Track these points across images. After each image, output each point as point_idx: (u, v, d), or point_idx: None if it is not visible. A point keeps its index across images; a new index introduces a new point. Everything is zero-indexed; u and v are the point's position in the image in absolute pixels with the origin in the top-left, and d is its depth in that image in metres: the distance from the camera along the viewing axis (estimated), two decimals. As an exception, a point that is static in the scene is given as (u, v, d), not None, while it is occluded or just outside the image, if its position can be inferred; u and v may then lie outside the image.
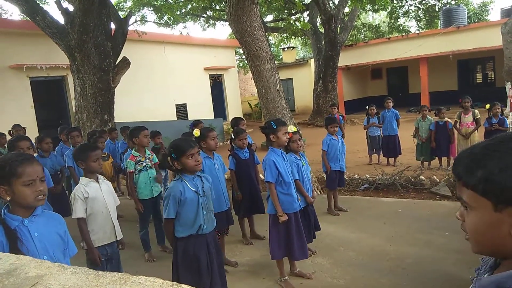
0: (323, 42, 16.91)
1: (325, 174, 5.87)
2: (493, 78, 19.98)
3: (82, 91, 9.48)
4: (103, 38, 9.80)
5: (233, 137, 4.86)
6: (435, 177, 6.83)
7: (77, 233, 3.16)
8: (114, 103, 10.04)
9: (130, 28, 11.42)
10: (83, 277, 1.08)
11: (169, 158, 2.98)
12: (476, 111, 7.56)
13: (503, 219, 0.82)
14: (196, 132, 4.15)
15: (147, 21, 15.64)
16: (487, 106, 7.19)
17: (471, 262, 3.67)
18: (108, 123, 9.57)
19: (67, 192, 5.88)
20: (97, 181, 3.26)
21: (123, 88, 11.06)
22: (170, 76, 15.44)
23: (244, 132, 4.92)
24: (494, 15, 40.15)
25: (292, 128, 4.09)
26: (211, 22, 19.28)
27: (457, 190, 0.92)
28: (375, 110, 8.88)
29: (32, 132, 9.08)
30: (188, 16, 17.37)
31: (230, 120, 6.16)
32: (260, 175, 6.97)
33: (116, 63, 9.96)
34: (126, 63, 9.90)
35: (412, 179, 6.77)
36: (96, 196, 3.18)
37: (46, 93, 12.68)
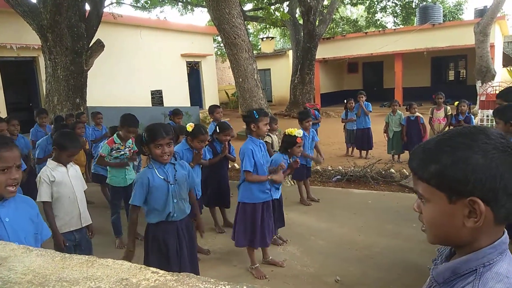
0: (302, 34, 16.94)
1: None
2: (465, 76, 20.54)
3: (54, 73, 9.19)
4: (76, 19, 9.49)
5: (217, 130, 4.81)
6: (404, 170, 7.00)
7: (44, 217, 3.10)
8: (87, 86, 9.78)
9: (106, 10, 11.11)
10: (49, 259, 1.07)
11: (138, 141, 2.94)
12: (448, 107, 7.77)
13: (457, 211, 0.86)
14: (189, 127, 4.07)
15: (123, 3, 15.24)
16: (456, 103, 7.41)
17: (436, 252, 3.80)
18: (80, 106, 9.33)
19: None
20: (65, 166, 3.18)
21: (96, 71, 10.77)
22: (146, 61, 15.12)
23: (230, 129, 4.86)
24: (468, 15, 41.16)
25: (300, 133, 4.09)
26: (189, 7, 19.00)
27: (413, 183, 0.96)
28: (353, 104, 9.01)
29: (0, 114, 8.75)
30: (166, 0, 17.04)
31: (208, 108, 6.12)
32: (235, 164, 6.98)
33: (90, 45, 9.68)
34: (100, 46, 9.63)
35: (383, 172, 6.93)
36: (63, 180, 3.10)
37: (16, 74, 12.23)
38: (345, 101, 9.22)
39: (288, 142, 4.11)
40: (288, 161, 4.15)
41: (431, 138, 0.94)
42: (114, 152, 4.57)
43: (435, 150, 0.89)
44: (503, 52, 19.64)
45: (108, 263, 1.00)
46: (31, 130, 6.69)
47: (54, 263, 1.04)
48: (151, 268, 0.96)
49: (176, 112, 6.54)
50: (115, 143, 4.59)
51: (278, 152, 4.31)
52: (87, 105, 9.84)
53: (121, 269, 0.97)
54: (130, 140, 4.75)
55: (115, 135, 4.69)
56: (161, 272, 0.93)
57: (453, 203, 0.86)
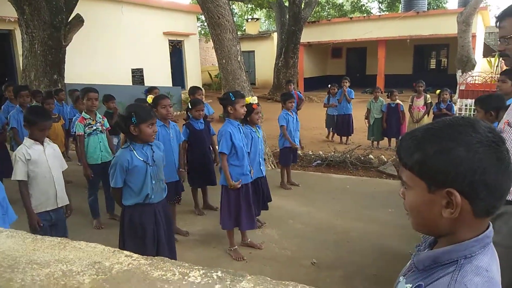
0: (287, 16, 16.79)
1: (279, 150, 5.94)
2: (446, 65, 20.83)
3: (31, 47, 8.88)
4: (55, -9, 9.15)
5: (189, 107, 4.79)
6: (383, 156, 7.12)
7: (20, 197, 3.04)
8: (65, 62, 9.50)
9: (86, -17, 10.73)
10: (19, 241, 1.03)
11: (126, 121, 2.84)
12: (428, 95, 7.88)
13: (435, 200, 0.87)
14: (149, 99, 4.06)
15: (104, -23, 14.73)
16: (437, 91, 7.50)
17: (412, 237, 3.90)
18: (57, 83, 9.08)
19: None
20: (41, 143, 3.11)
21: (75, 47, 10.46)
22: (127, 38, 14.73)
23: (201, 103, 4.85)
24: (452, 4, 41.52)
25: (255, 100, 4.07)
26: (173, -15, 18.52)
27: (400, 170, 0.96)
28: (336, 90, 9.04)
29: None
30: (149, -23, 16.55)
31: (188, 89, 6.04)
32: (217, 146, 6.94)
33: (69, 20, 9.37)
34: (79, 20, 9.33)
35: (362, 158, 7.03)
36: (39, 159, 3.04)
37: (-10, 47, 11.80)
38: (328, 86, 9.25)
39: (246, 111, 4.07)
40: (253, 131, 4.13)
41: (420, 126, 0.94)
42: (87, 128, 4.49)
43: (421, 139, 0.89)
44: (484, 43, 19.94)
45: (81, 245, 0.98)
46: (2, 107, 6.50)
47: (25, 245, 1.01)
48: (125, 252, 0.94)
49: (151, 89, 6.43)
50: (85, 119, 4.51)
51: (245, 126, 4.24)
52: (65, 82, 9.59)
53: (94, 252, 0.95)
54: (99, 115, 4.68)
55: (83, 112, 4.62)
56: (135, 255, 0.92)
57: (432, 192, 0.87)
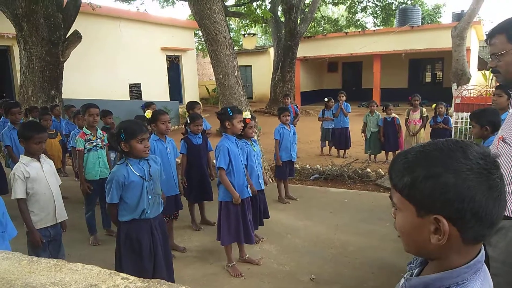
0: (283, 32, 16.98)
1: (275, 164, 5.94)
2: (441, 78, 21.00)
3: (29, 63, 8.94)
4: (54, 8, 9.24)
5: (188, 121, 4.81)
6: (380, 170, 7.12)
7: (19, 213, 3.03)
8: (63, 78, 9.55)
9: (84, 0, 10.83)
10: (15, 263, 1.03)
11: (116, 138, 2.87)
12: (424, 109, 7.92)
13: (424, 225, 0.85)
14: (148, 114, 4.08)
15: (102, -6, 14.90)
16: (433, 105, 7.54)
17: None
18: (55, 99, 9.11)
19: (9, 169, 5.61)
20: (39, 161, 3.11)
21: (73, 63, 10.53)
22: (125, 54, 14.84)
23: (200, 118, 4.87)
24: (446, 18, 42.08)
25: (248, 114, 4.09)
26: (170, 0, 18.76)
27: (391, 190, 0.95)
28: (333, 103, 9.09)
29: (-30, 104, 8.42)
30: (147, -7, 16.76)
31: (186, 103, 6.07)
32: (214, 161, 6.94)
33: (67, 36, 9.45)
34: (77, 37, 9.41)
35: (359, 171, 7.03)
36: (38, 176, 3.04)
37: (-12, 63, 11.86)
38: (325, 99, 9.27)
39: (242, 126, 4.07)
40: (248, 144, 4.13)
41: (413, 147, 0.93)
42: (87, 144, 4.50)
43: (412, 162, 0.87)
44: (478, 56, 20.16)
45: (77, 267, 0.98)
46: None
47: (21, 267, 1.01)
48: (121, 274, 0.93)
49: (148, 104, 6.47)
50: (86, 134, 4.52)
51: (240, 140, 4.26)
52: (63, 97, 9.62)
53: (90, 275, 0.94)
54: (100, 131, 4.69)
55: (84, 127, 4.63)
56: (132, 278, 0.91)
57: (421, 217, 0.85)
